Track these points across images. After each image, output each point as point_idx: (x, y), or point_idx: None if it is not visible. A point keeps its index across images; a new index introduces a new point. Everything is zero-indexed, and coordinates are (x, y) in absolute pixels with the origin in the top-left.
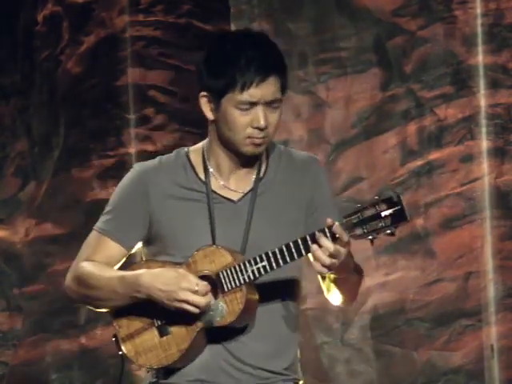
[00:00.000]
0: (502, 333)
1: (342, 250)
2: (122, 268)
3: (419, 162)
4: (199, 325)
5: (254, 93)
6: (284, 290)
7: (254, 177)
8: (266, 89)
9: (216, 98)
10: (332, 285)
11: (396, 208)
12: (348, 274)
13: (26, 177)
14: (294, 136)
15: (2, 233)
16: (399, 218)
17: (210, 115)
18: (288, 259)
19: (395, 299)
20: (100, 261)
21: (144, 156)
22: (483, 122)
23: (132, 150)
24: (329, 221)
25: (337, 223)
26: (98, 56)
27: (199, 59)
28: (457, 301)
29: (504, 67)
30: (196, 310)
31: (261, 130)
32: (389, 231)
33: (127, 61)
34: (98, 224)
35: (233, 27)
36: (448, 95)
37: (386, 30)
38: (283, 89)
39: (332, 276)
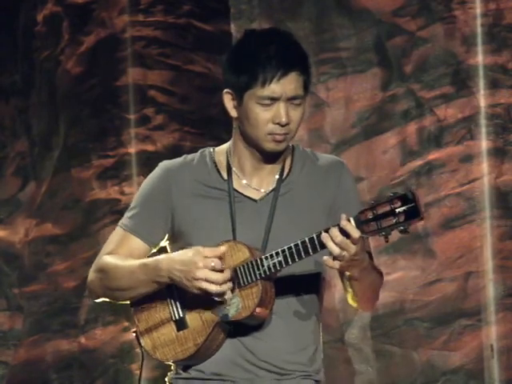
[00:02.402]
0: (502, 333)
1: (352, 245)
2: None
3: (419, 162)
4: (215, 319)
5: (275, 88)
6: (305, 288)
7: (277, 177)
8: (288, 84)
9: (239, 94)
10: (349, 287)
11: (410, 205)
12: (362, 273)
13: (26, 177)
14: None
15: (2, 233)
16: (413, 215)
17: (233, 112)
18: (303, 254)
19: (395, 299)
20: (122, 255)
21: (144, 156)
22: (483, 122)
23: (132, 150)
24: (343, 216)
25: (349, 219)
26: (97, 56)
27: (224, 57)
28: (456, 301)
29: (504, 67)
30: (214, 288)
31: (282, 126)
32: (402, 228)
33: (127, 61)
34: (122, 220)
35: (233, 27)
36: (448, 95)
37: (386, 30)
38: (306, 86)
39: (348, 275)
